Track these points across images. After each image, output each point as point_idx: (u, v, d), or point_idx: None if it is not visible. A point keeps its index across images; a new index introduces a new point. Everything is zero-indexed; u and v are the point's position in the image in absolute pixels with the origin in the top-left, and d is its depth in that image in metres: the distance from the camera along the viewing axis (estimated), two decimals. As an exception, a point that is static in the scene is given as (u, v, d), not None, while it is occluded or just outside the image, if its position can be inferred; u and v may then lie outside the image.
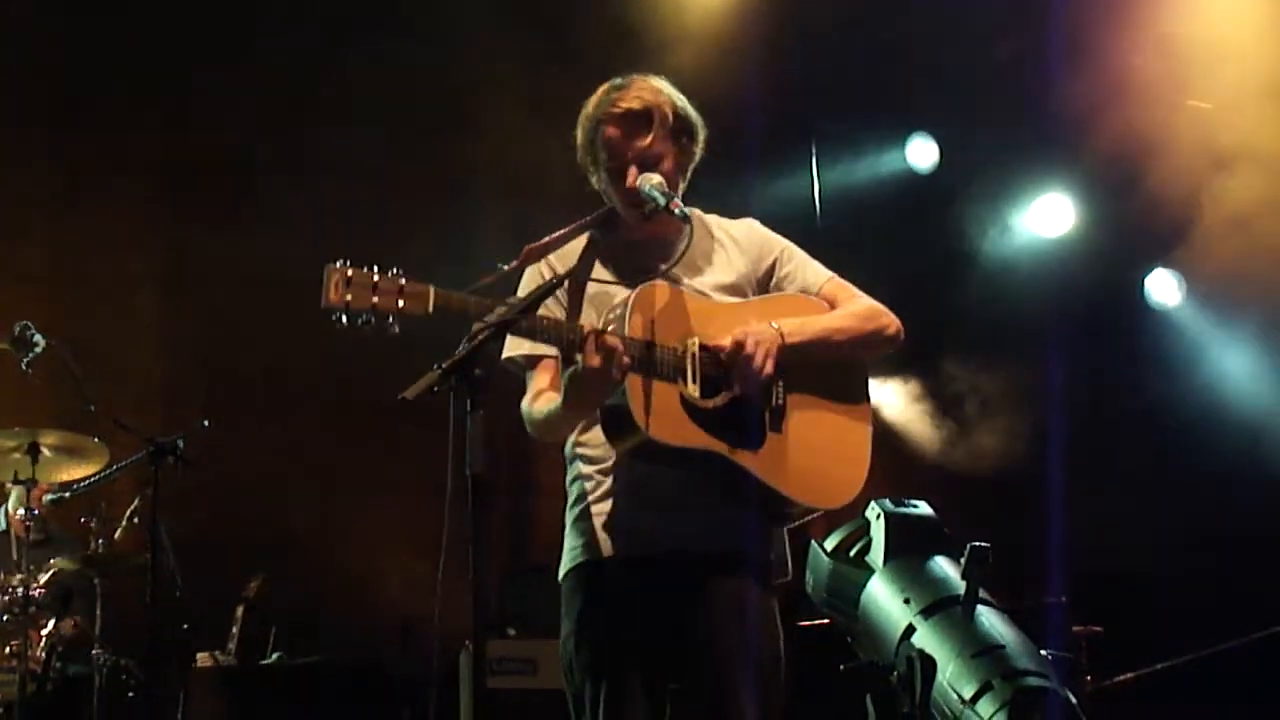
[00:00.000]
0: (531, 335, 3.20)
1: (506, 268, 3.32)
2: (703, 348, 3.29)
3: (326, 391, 7.55)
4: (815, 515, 3.48)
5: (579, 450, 3.47)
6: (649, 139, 3.43)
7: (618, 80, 3.50)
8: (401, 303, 2.97)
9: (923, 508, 5.44)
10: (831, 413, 3.46)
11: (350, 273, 2.95)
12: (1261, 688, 6.42)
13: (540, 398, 3.38)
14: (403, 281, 2.99)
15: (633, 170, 3.42)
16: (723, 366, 3.29)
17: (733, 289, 3.49)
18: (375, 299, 2.96)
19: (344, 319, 2.95)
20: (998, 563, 4.93)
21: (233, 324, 7.49)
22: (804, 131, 8.00)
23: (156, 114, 7.51)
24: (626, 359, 3.12)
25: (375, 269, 2.97)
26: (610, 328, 3.19)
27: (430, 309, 3.00)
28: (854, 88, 7.60)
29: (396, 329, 2.98)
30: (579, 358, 3.14)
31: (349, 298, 2.94)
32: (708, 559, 3.35)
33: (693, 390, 3.24)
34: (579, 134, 3.52)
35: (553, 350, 3.39)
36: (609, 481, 3.39)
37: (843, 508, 3.49)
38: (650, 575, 3.33)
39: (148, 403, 7.42)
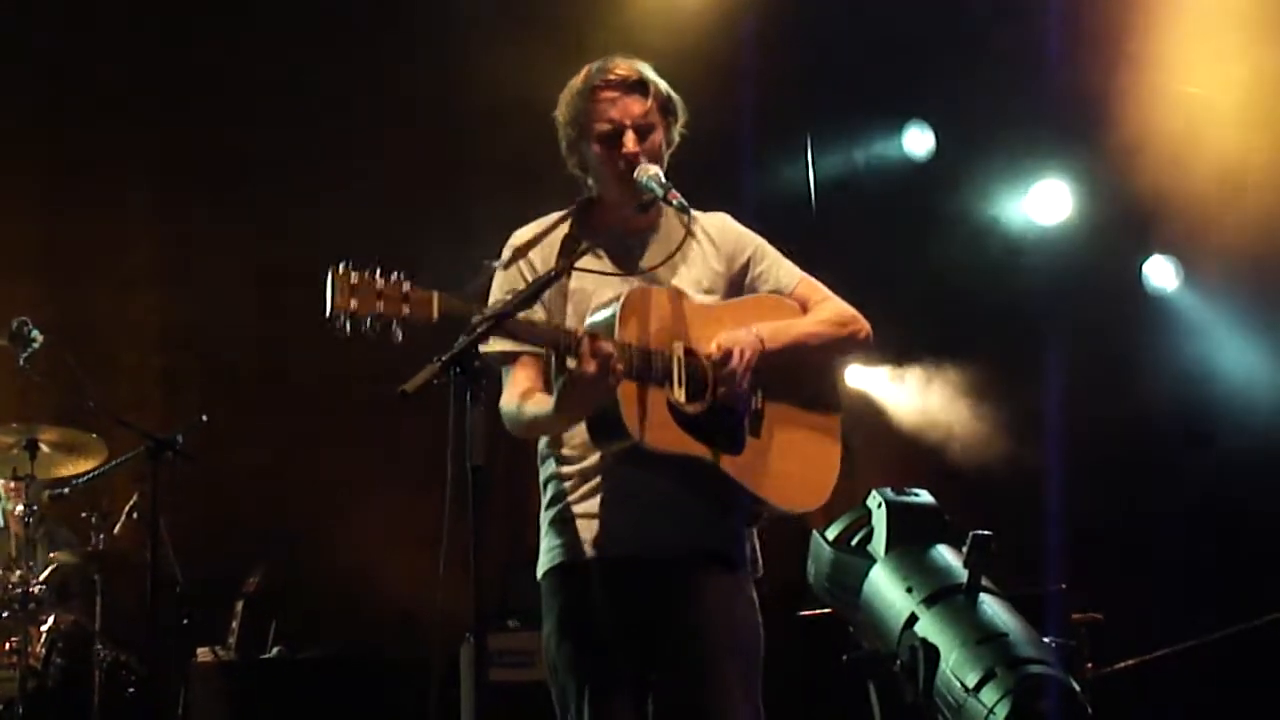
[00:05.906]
0: (522, 338, 3.15)
1: (497, 264, 3.31)
2: (688, 352, 3.27)
3: (325, 384, 7.52)
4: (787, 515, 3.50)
5: (554, 450, 3.43)
6: (646, 106, 3.38)
7: (599, 62, 3.44)
8: (406, 309, 2.91)
9: (924, 496, 5.44)
10: (806, 418, 3.48)
11: (354, 278, 2.88)
12: (1263, 674, 6.42)
13: (529, 398, 3.31)
14: (407, 287, 2.92)
15: (631, 135, 3.36)
16: (705, 372, 3.28)
17: (709, 290, 3.46)
18: (380, 305, 2.89)
19: (348, 325, 2.87)
20: (999, 551, 4.94)
21: (231, 318, 7.47)
22: (798, 120, 7.96)
23: (154, 107, 7.48)
24: (620, 365, 3.09)
25: (379, 274, 2.90)
26: (599, 329, 3.16)
27: (435, 315, 2.94)
28: (849, 76, 7.57)
29: (400, 336, 2.91)
30: (571, 362, 3.08)
31: (354, 304, 2.86)
32: (690, 557, 3.34)
33: (680, 396, 3.23)
34: (563, 111, 3.45)
35: (532, 348, 3.31)
36: (590, 482, 3.36)
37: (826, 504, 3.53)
38: (632, 574, 3.32)
39: (146, 398, 7.41)
